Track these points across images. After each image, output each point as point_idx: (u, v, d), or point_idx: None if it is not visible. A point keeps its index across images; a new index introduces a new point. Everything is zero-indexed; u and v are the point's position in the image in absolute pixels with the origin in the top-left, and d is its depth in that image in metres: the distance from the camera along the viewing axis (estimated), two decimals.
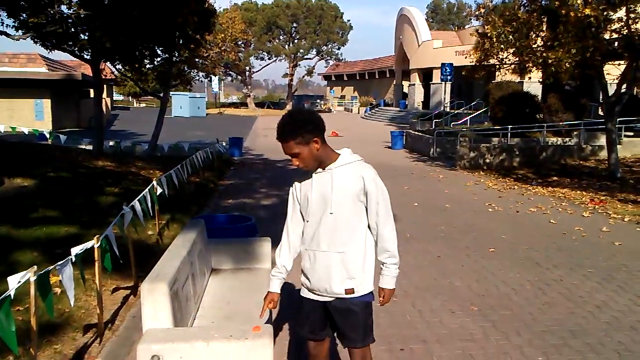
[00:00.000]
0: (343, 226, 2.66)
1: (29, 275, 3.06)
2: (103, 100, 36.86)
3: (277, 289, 2.86)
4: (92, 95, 35.55)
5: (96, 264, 4.16)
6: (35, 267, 3.11)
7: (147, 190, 6.44)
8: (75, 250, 3.99)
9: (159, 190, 7.06)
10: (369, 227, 2.73)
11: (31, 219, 6.70)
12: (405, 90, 45.66)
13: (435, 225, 8.46)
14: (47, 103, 29.60)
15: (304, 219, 2.79)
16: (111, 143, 15.86)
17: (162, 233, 7.29)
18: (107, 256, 4.37)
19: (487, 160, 16.29)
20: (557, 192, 11.65)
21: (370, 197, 2.66)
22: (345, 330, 2.77)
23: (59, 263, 3.49)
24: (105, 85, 37.26)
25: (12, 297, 2.92)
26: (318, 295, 2.77)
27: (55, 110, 29.82)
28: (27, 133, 15.55)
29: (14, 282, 3.03)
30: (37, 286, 3.11)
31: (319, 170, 2.69)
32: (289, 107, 59.78)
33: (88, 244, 4.10)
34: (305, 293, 2.85)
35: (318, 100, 59.95)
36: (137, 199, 5.85)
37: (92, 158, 12.49)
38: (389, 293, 2.78)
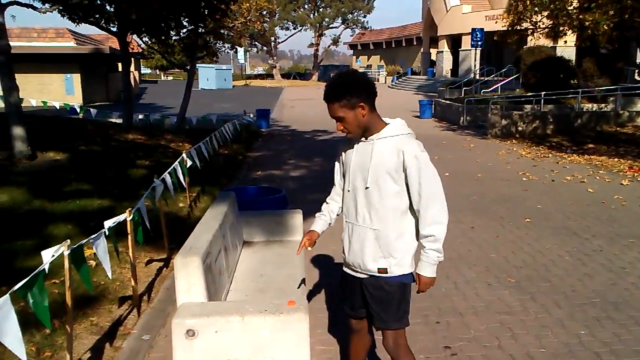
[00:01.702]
0: (379, 202, 2.51)
1: (62, 249, 3.05)
2: (131, 74, 37.23)
3: (319, 228, 2.81)
4: (120, 69, 35.86)
5: (129, 236, 4.16)
6: (69, 240, 3.09)
7: (177, 162, 6.43)
8: (108, 224, 4.01)
9: (189, 163, 7.05)
10: (411, 207, 2.54)
11: (64, 192, 6.77)
12: (433, 57, 44.72)
13: (468, 195, 8.29)
14: (76, 77, 29.91)
15: (343, 189, 2.69)
16: (140, 116, 15.93)
17: (193, 205, 7.31)
18: (140, 229, 4.36)
19: (520, 128, 15.88)
20: (594, 160, 11.30)
21: (410, 176, 2.45)
22: (377, 309, 2.61)
23: (93, 236, 3.48)
24: (132, 59, 37.51)
25: (47, 271, 2.92)
26: (353, 270, 2.67)
27: (85, 85, 30.13)
28: (58, 107, 15.74)
29: (47, 256, 3.02)
30: (71, 260, 3.10)
31: (363, 139, 2.55)
32: (314, 77, 59.33)
33: (120, 217, 4.09)
34: (345, 267, 2.76)
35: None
36: (167, 171, 5.84)
37: (123, 131, 12.58)
38: (426, 282, 2.52)
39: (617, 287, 4.74)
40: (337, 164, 2.77)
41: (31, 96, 19.67)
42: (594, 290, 4.68)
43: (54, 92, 28.32)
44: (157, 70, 69.33)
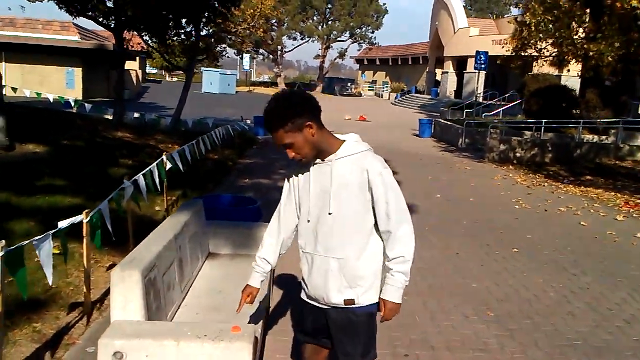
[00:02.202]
0: (343, 229, 2.26)
1: None
2: (134, 72, 37.06)
3: (258, 283, 2.52)
4: (124, 66, 35.73)
5: (84, 239, 3.89)
6: (4, 241, 2.82)
7: (154, 164, 6.17)
8: (62, 224, 3.74)
9: (169, 165, 6.79)
10: (376, 228, 2.30)
11: (35, 187, 6.50)
12: (438, 78, 44.72)
13: (457, 219, 8.02)
14: (78, 72, 29.76)
15: (299, 216, 2.43)
16: (136, 115, 15.70)
17: (171, 209, 7.04)
18: (98, 232, 4.09)
19: (518, 154, 15.65)
20: (590, 192, 11.04)
21: (376, 195, 2.22)
22: (343, 343, 2.38)
23: (37, 237, 3.21)
24: (138, 57, 37.39)
25: None
26: (316, 303, 2.42)
27: (86, 79, 29.97)
28: (52, 100, 15.50)
29: None
30: (5, 262, 2.83)
31: (318, 161, 2.28)
32: (319, 89, 59.24)
33: (76, 218, 3.83)
34: (304, 296, 2.50)
35: (349, 84, 59.11)
36: (141, 173, 5.58)
37: (112, 128, 12.32)
38: (391, 308, 2.29)
39: (602, 329, 4.46)
40: (286, 191, 2.47)
41: (31, 87, 19.47)
42: (577, 331, 4.40)
43: (54, 84, 28.13)
44: (163, 71, 69.26)
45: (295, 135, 2.17)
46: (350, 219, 2.26)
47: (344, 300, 2.31)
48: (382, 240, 2.30)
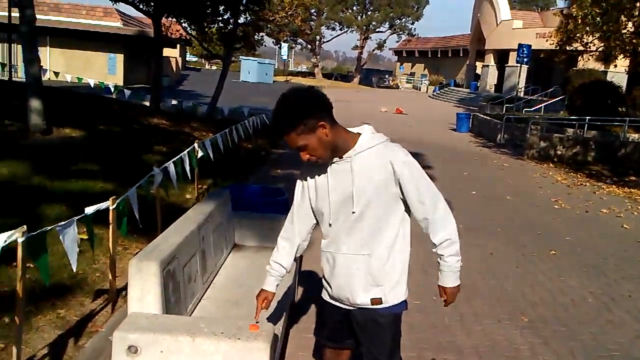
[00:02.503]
0: (369, 226, 2.14)
1: (16, 235, 2.75)
2: (173, 59, 37.48)
3: (273, 287, 2.40)
4: (164, 53, 36.18)
5: (110, 227, 3.87)
6: (25, 227, 2.79)
7: (186, 152, 6.14)
8: (89, 210, 3.72)
9: (200, 154, 6.76)
10: (403, 220, 2.20)
11: (69, 171, 6.56)
12: (478, 71, 43.77)
13: (492, 218, 7.78)
14: (120, 58, 30.23)
15: (315, 217, 2.30)
16: (174, 102, 15.84)
17: (201, 198, 7.02)
18: (124, 220, 4.06)
19: (559, 152, 15.16)
20: (634, 194, 10.59)
21: (406, 186, 2.10)
22: (368, 345, 2.27)
23: (61, 223, 3.18)
24: (178, 45, 37.76)
25: None
26: (340, 302, 2.31)
27: (128, 66, 30.42)
28: (92, 85, 15.76)
29: (0, 241, 2.73)
30: (26, 249, 2.80)
31: (335, 159, 2.14)
32: (356, 80, 58.88)
33: (103, 205, 3.80)
34: (326, 297, 2.38)
35: (386, 76, 58.63)
36: (172, 160, 5.55)
37: (148, 115, 12.43)
38: (452, 292, 2.26)
39: None
40: (299, 193, 2.33)
41: (75, 72, 19.87)
42: (616, 341, 4.17)
43: (97, 70, 28.66)
44: (202, 59, 69.92)
45: (308, 137, 2.04)
46: (375, 215, 2.14)
47: (371, 299, 2.20)
48: (423, 229, 2.21)
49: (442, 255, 2.19)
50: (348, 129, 2.19)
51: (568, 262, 6.04)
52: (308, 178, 2.27)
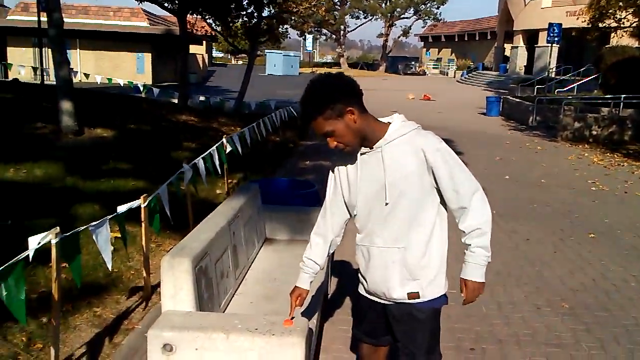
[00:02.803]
0: (403, 218, 2.07)
1: (50, 237, 2.77)
2: (200, 56, 37.77)
3: (307, 284, 2.35)
4: (191, 50, 36.50)
5: (142, 224, 3.89)
6: (58, 228, 2.82)
7: (214, 147, 6.15)
8: (121, 209, 3.75)
9: (229, 148, 6.77)
10: (439, 210, 2.12)
11: (101, 170, 6.65)
12: (507, 53, 42.88)
13: (528, 202, 7.60)
14: (148, 57, 30.64)
15: (349, 210, 2.25)
16: (201, 98, 15.94)
17: (232, 193, 7.03)
18: (156, 217, 4.08)
19: (594, 133, 14.76)
20: None
21: (440, 174, 2.02)
22: (405, 341, 2.20)
23: (94, 223, 3.21)
24: (204, 41, 38.05)
25: (31, 259, 2.67)
26: (376, 298, 2.26)
27: (156, 64, 30.80)
28: (122, 85, 15.98)
29: (34, 243, 2.76)
30: (60, 250, 2.83)
31: (365, 149, 2.09)
32: (382, 68, 58.37)
33: (134, 203, 3.83)
34: (362, 291, 2.34)
35: (413, 63, 57.89)
36: (201, 156, 5.57)
37: (177, 112, 12.54)
38: (474, 288, 2.11)
39: None
40: (331, 187, 2.28)
41: (105, 73, 20.21)
42: None
43: (126, 70, 29.13)
44: (228, 55, 70.33)
45: (335, 123, 1.98)
46: (410, 206, 2.07)
47: (408, 294, 2.13)
48: (456, 219, 2.11)
49: (470, 245, 2.08)
50: (379, 119, 2.14)
51: (608, 246, 5.86)
52: (340, 171, 2.23)
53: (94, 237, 3.20)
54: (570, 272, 5.04)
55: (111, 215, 3.41)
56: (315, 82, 2.02)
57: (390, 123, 2.09)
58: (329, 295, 4.26)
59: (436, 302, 2.17)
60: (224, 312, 2.91)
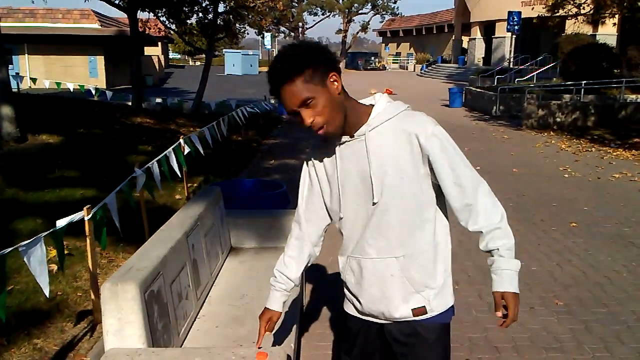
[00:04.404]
0: (399, 219, 1.66)
1: None
2: (156, 58, 36.72)
3: (279, 305, 1.91)
4: (145, 52, 35.41)
5: (87, 240, 3.39)
6: None
7: (171, 149, 5.64)
8: (61, 223, 3.24)
9: (187, 150, 6.26)
10: (439, 206, 1.71)
11: (46, 180, 6.04)
12: (465, 45, 43.20)
13: (503, 193, 7.32)
14: (100, 60, 29.54)
15: (330, 215, 1.83)
16: (158, 100, 15.26)
17: (192, 197, 6.53)
18: (104, 231, 3.58)
19: (558, 119, 14.73)
20: None
21: (437, 163, 1.61)
22: None
23: (24, 243, 2.70)
24: (160, 43, 37.01)
25: None
26: (372, 318, 1.81)
27: (109, 67, 29.73)
28: (72, 90, 15.16)
29: None
30: None
31: (345, 138, 1.67)
32: (342, 64, 58.10)
33: (76, 216, 3.32)
34: (351, 310, 1.88)
35: (372, 58, 57.88)
36: (155, 159, 5.05)
37: (131, 114, 11.88)
38: (516, 302, 1.68)
39: None
40: (305, 186, 1.87)
41: (55, 78, 19.20)
42: None
43: (78, 74, 28.00)
44: (186, 56, 68.94)
45: (315, 89, 1.54)
46: (406, 206, 1.65)
47: (413, 310, 1.71)
48: (460, 221, 1.70)
49: (496, 249, 1.67)
50: (360, 101, 1.72)
51: (592, 234, 5.60)
52: (316, 166, 1.80)
53: (25, 259, 2.69)
54: (558, 266, 4.75)
55: (46, 232, 2.91)
56: (292, 44, 1.59)
57: (372, 106, 1.68)
58: (305, 306, 3.84)
59: (446, 316, 1.75)
60: (184, 342, 2.45)
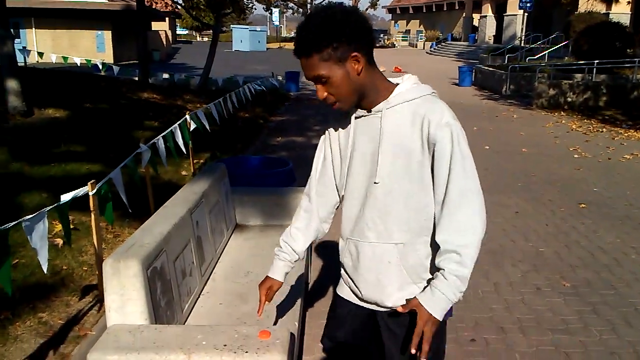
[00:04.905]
0: (402, 204, 1.59)
1: None
2: (163, 33, 36.49)
3: (280, 275, 1.88)
4: (153, 27, 35.19)
5: (92, 215, 3.36)
6: None
7: (176, 125, 5.60)
8: (65, 198, 3.22)
9: (193, 126, 6.22)
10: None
11: (52, 154, 6.03)
12: (475, 23, 42.59)
13: (511, 173, 7.25)
14: (108, 34, 29.40)
15: (337, 189, 1.78)
16: (165, 75, 15.17)
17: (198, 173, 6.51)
18: (109, 205, 3.55)
19: (569, 99, 14.53)
20: None
21: (439, 155, 1.53)
22: (401, 357, 1.71)
23: (27, 217, 2.68)
24: (167, 18, 36.76)
25: None
26: (365, 303, 1.77)
27: (116, 42, 29.58)
28: (79, 64, 15.09)
29: None
30: None
31: (361, 112, 1.62)
32: None
33: (80, 191, 3.30)
34: (344, 294, 1.84)
35: (381, 35, 57.15)
36: (161, 135, 5.01)
37: (138, 90, 11.81)
38: (430, 322, 1.52)
39: None
40: (320, 157, 1.81)
41: (63, 52, 19.11)
42: None
43: (85, 48, 27.90)
44: (193, 31, 68.51)
45: (332, 68, 1.50)
46: (409, 191, 1.59)
47: (407, 300, 1.65)
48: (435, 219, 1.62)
49: (443, 269, 1.53)
50: (390, 79, 1.65)
51: (600, 215, 5.55)
52: (331, 138, 1.76)
53: (27, 236, 2.68)
54: (566, 247, 4.70)
55: (50, 207, 2.89)
56: (322, 10, 1.51)
57: (397, 84, 1.61)
58: (309, 285, 3.83)
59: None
60: (187, 318, 2.44)
